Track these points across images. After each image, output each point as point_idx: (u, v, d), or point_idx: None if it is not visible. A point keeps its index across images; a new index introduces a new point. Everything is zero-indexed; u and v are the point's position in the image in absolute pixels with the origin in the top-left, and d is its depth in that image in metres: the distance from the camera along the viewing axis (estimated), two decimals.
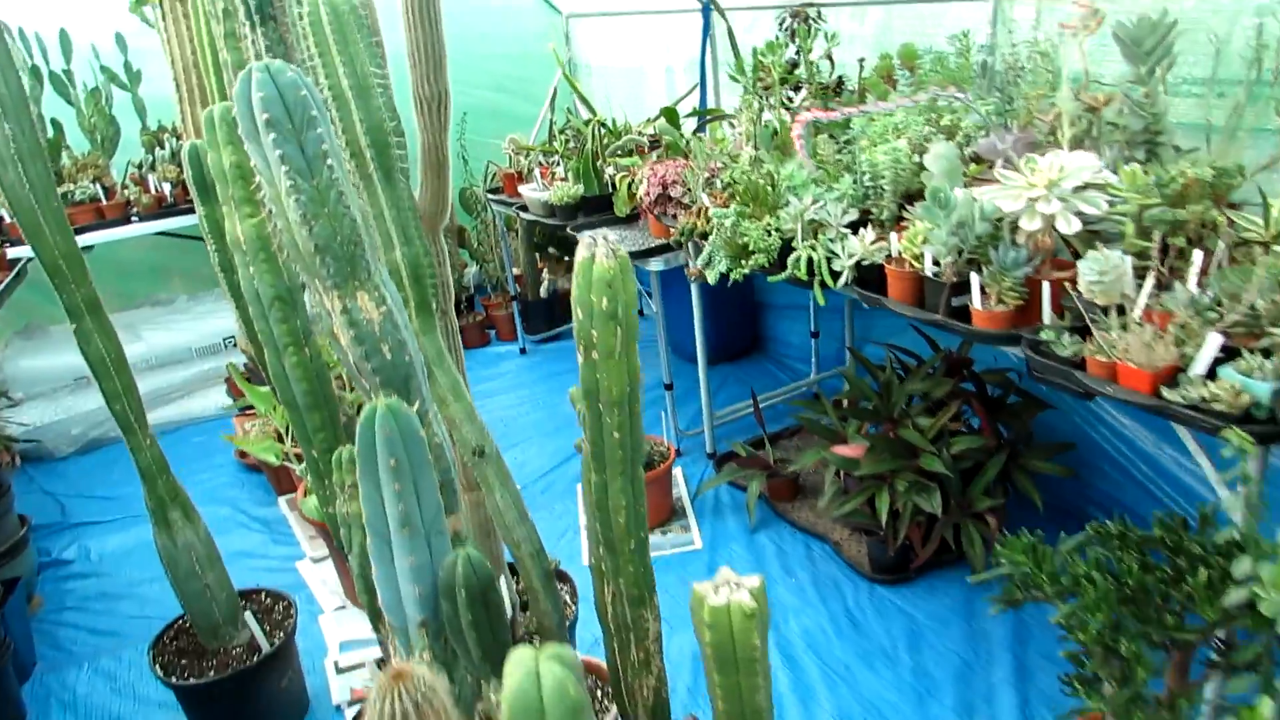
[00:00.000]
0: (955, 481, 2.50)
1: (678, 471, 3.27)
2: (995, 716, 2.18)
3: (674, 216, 2.87)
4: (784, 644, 2.46)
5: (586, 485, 1.52)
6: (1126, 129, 1.97)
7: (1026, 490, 2.55)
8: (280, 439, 2.95)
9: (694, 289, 3.09)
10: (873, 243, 2.14)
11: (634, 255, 3.09)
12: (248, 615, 2.13)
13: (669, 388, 3.39)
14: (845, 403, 2.88)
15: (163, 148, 4.05)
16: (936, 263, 1.96)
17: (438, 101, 1.76)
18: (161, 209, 3.88)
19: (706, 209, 2.67)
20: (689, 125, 3.63)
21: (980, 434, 2.57)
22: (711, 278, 2.53)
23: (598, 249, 1.25)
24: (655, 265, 3.11)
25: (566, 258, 4.76)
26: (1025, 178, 1.77)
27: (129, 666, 2.58)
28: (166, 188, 3.87)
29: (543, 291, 4.58)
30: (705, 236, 2.68)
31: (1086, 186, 1.74)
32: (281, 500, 3.35)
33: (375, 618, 1.60)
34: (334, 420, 1.79)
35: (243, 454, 3.67)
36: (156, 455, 1.98)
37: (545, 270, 4.68)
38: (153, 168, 4.02)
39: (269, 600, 2.34)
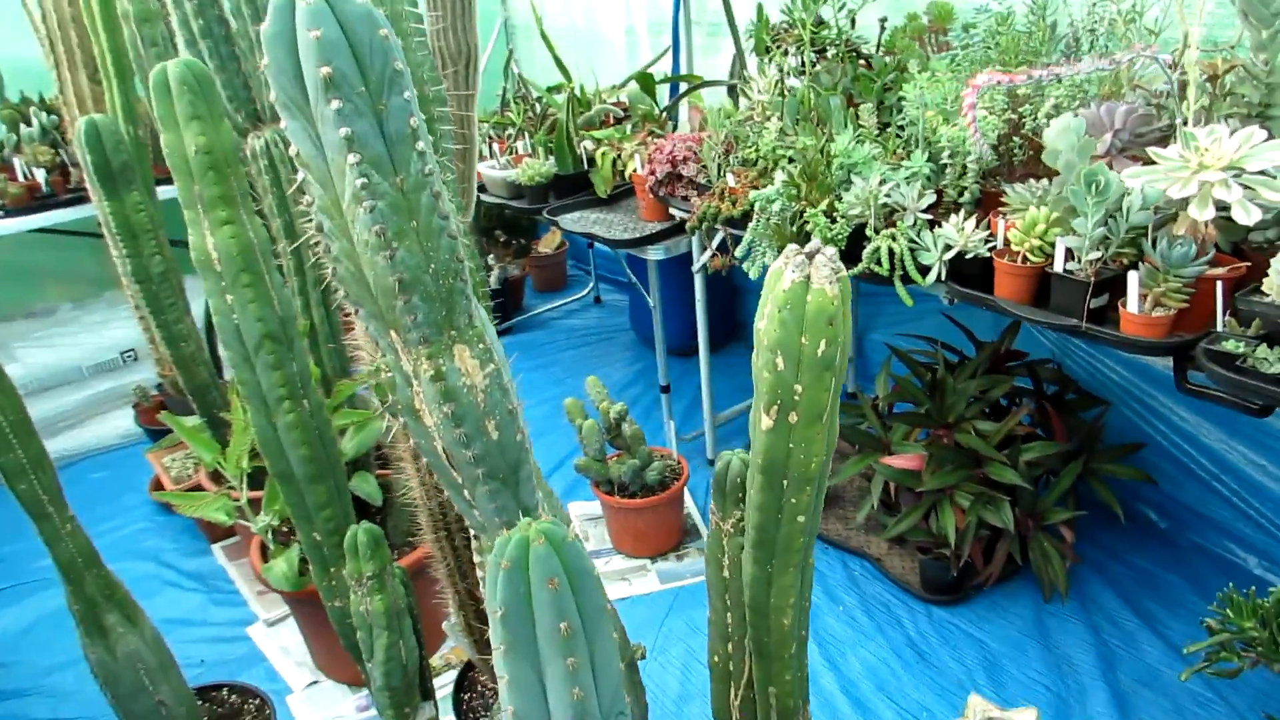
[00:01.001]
0: (1028, 492, 2.22)
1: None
2: None
3: (685, 199, 2.48)
4: (849, 686, 2.13)
5: (717, 575, 1.14)
6: (1245, 100, 1.69)
7: (1104, 498, 2.29)
8: (218, 479, 2.43)
9: (698, 279, 2.71)
10: (975, 232, 1.80)
11: (629, 243, 2.68)
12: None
13: (666, 390, 3.01)
14: (881, 405, 2.56)
15: (29, 124, 3.38)
16: (1073, 256, 1.63)
17: (465, 59, 1.32)
18: (35, 201, 3.23)
19: (733, 190, 2.28)
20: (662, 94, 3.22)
21: (1052, 438, 2.29)
22: (754, 272, 2.15)
23: (816, 268, 0.86)
24: (654, 254, 2.71)
25: (517, 242, 4.29)
26: (1193, 158, 1.46)
27: None
28: (40, 175, 3.22)
29: (493, 281, 4.10)
30: (731, 222, 2.30)
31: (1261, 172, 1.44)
32: (216, 549, 2.82)
33: None
34: (341, 493, 1.34)
35: (159, 488, 3.10)
36: (82, 545, 1.48)
37: (492, 257, 4.21)
38: (17, 149, 3.34)
39: (235, 699, 1.86)
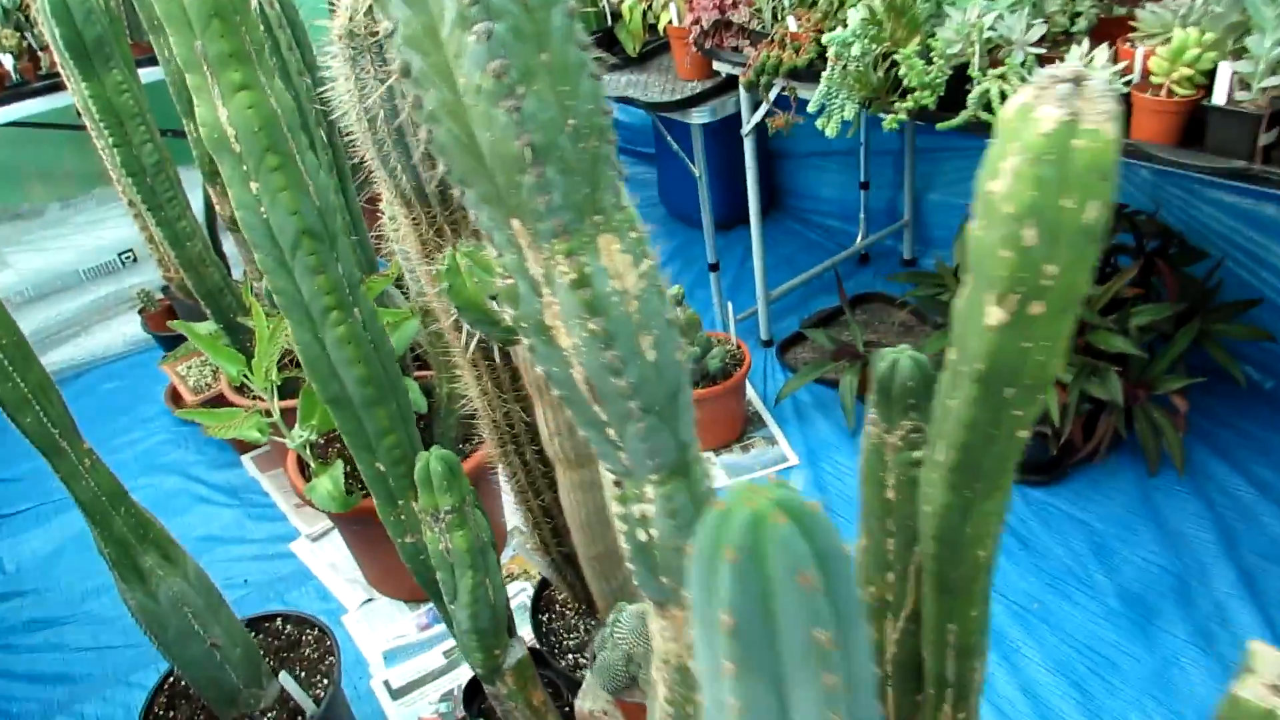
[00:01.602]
0: (1138, 361, 2.01)
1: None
2: (1241, 640, 1.77)
3: (736, 50, 2.17)
4: None
5: (877, 497, 0.95)
6: None
7: (1219, 362, 2.08)
8: (243, 390, 2.23)
9: (748, 143, 2.42)
10: (1105, 64, 1.52)
11: (672, 105, 2.39)
12: (284, 677, 1.51)
13: (715, 268, 2.77)
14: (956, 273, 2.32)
15: None
16: (1246, 85, 1.36)
17: None
18: (5, 91, 2.91)
19: (796, 36, 1.98)
20: None
21: (1162, 299, 2.06)
22: (831, 130, 1.88)
23: (1087, 100, 0.61)
24: (699, 117, 2.42)
25: None
26: None
27: None
28: (7, 61, 2.89)
29: None
30: (794, 74, 2.01)
31: None
32: (246, 460, 2.65)
33: None
34: (406, 417, 1.13)
35: (177, 399, 2.91)
36: (105, 480, 1.28)
37: None
38: None
39: (291, 630, 1.71)
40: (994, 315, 0.71)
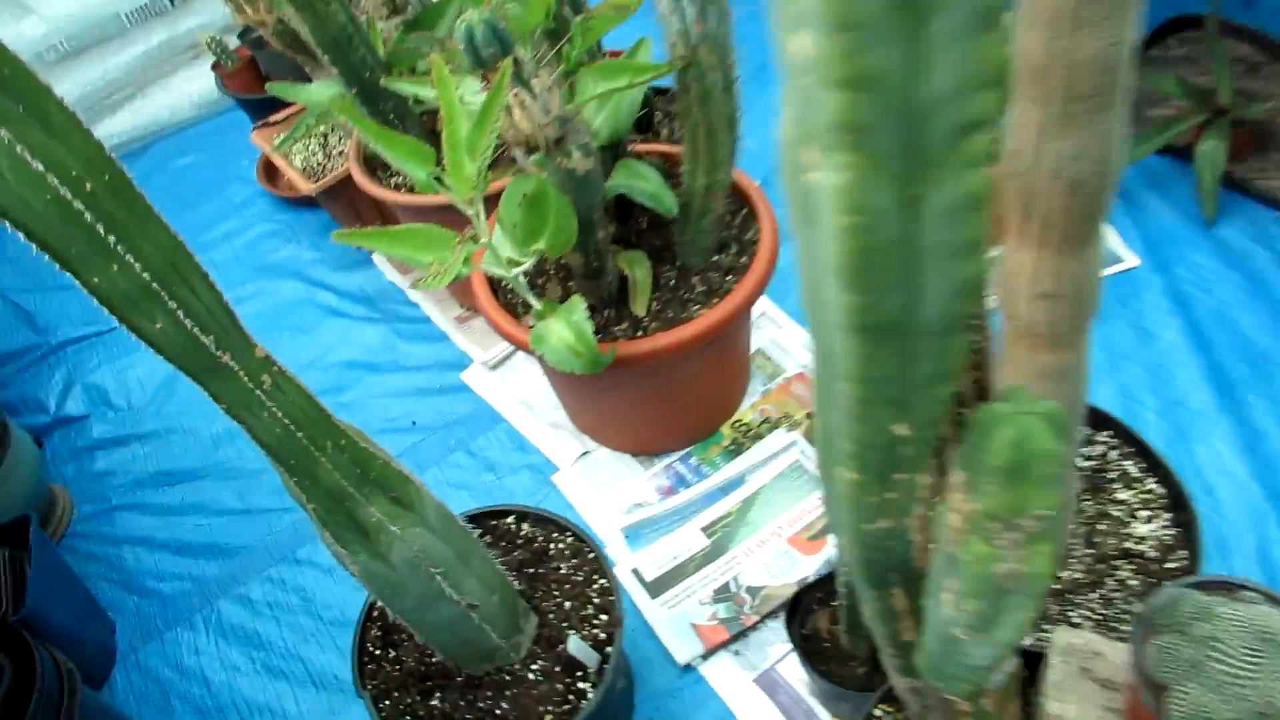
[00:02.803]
0: None
1: None
2: None
3: None
4: None
5: None
6: None
7: None
8: (375, 167, 1.64)
9: None
10: None
11: None
12: (573, 641, 1.04)
13: None
14: None
15: None
16: None
17: None
18: None
19: None
20: None
21: None
22: None
23: None
24: None
25: None
26: None
27: (273, 610, 1.55)
28: None
29: None
30: None
31: None
32: (378, 258, 2.10)
33: None
34: (958, 350, 0.54)
35: (271, 174, 2.32)
36: (297, 401, 0.75)
37: None
38: None
39: (526, 531, 1.24)
40: None
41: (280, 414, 0.74)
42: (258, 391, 0.72)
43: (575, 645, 1.02)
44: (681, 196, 1.32)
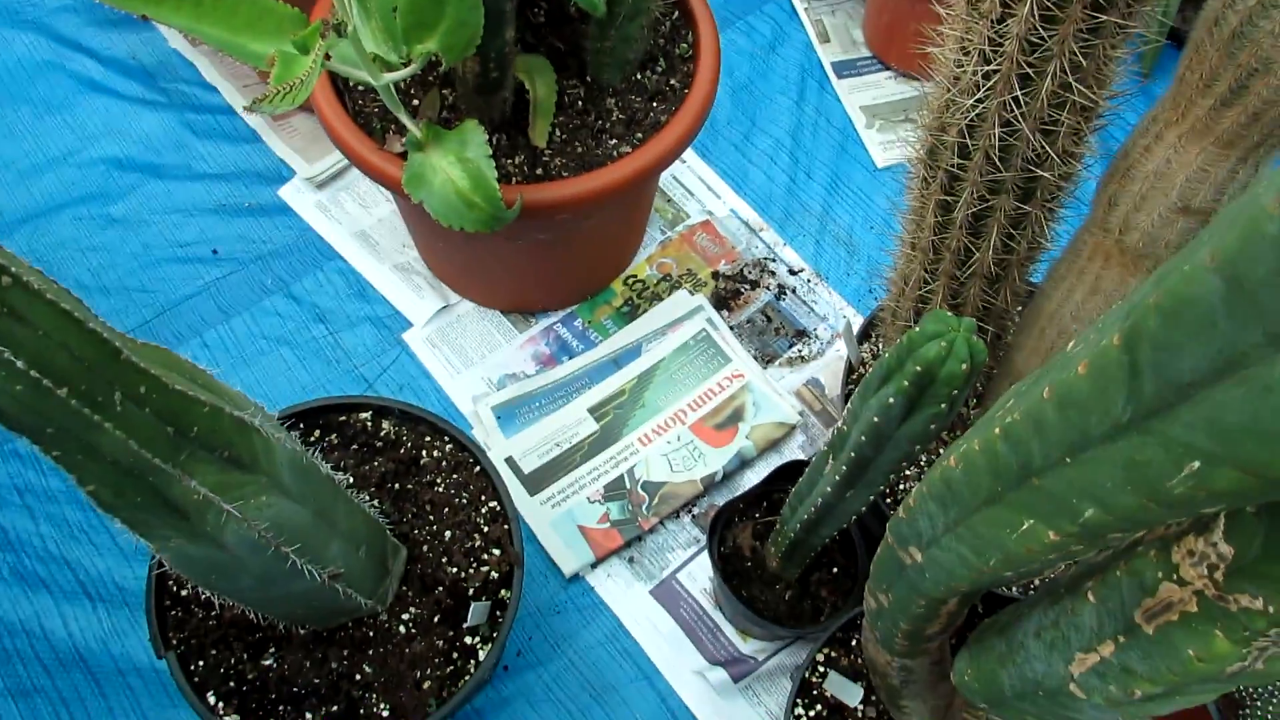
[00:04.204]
0: None
1: None
2: None
3: None
4: None
5: None
6: None
7: None
8: None
9: None
10: None
11: None
12: (475, 609, 0.79)
13: None
14: None
15: None
16: None
17: None
18: None
19: None
20: None
21: None
22: None
23: None
24: None
25: None
26: None
27: (23, 496, 1.19)
28: None
29: None
30: None
31: None
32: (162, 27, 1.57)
33: None
34: None
35: None
36: (47, 314, 0.42)
37: None
38: None
39: (386, 431, 0.95)
40: None
41: (19, 360, 0.41)
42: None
43: (477, 614, 0.78)
44: None
